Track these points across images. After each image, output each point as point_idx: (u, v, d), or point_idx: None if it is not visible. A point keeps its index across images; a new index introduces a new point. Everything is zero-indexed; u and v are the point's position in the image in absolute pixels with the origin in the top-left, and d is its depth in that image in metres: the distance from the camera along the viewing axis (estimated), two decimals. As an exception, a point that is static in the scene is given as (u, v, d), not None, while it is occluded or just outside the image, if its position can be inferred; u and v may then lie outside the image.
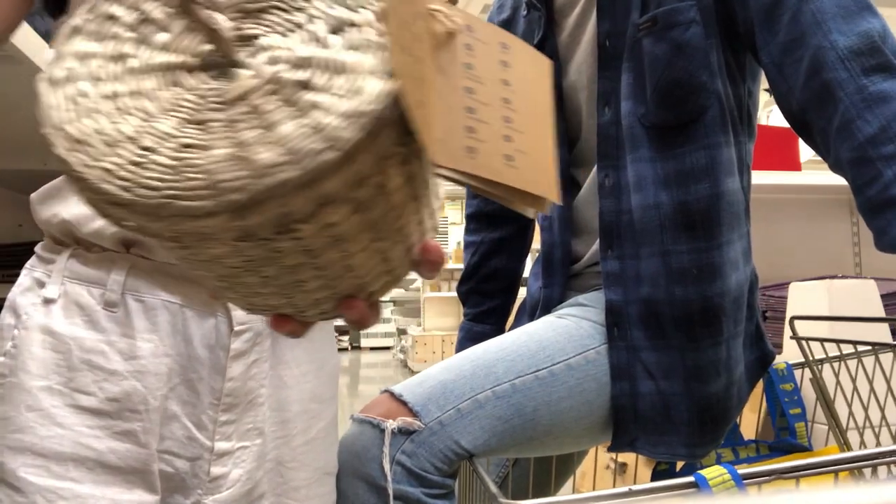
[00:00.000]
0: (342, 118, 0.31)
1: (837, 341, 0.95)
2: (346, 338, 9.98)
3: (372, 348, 9.98)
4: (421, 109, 0.33)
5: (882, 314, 1.40)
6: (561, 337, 0.86)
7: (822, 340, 0.99)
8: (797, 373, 1.00)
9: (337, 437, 0.76)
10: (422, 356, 7.25)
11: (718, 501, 0.51)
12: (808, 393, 1.04)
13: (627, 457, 1.63)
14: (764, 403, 1.01)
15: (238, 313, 0.64)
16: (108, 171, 0.32)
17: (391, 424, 0.76)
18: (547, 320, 0.90)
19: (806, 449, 0.95)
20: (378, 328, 10.00)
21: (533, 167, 0.39)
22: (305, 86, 0.33)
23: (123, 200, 0.31)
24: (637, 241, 0.86)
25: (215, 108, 0.33)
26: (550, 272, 0.98)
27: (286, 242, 0.34)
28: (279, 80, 0.33)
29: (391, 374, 7.77)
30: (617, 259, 0.88)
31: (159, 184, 0.31)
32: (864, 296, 1.41)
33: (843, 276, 1.56)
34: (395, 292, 9.47)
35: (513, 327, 1.12)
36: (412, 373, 7.41)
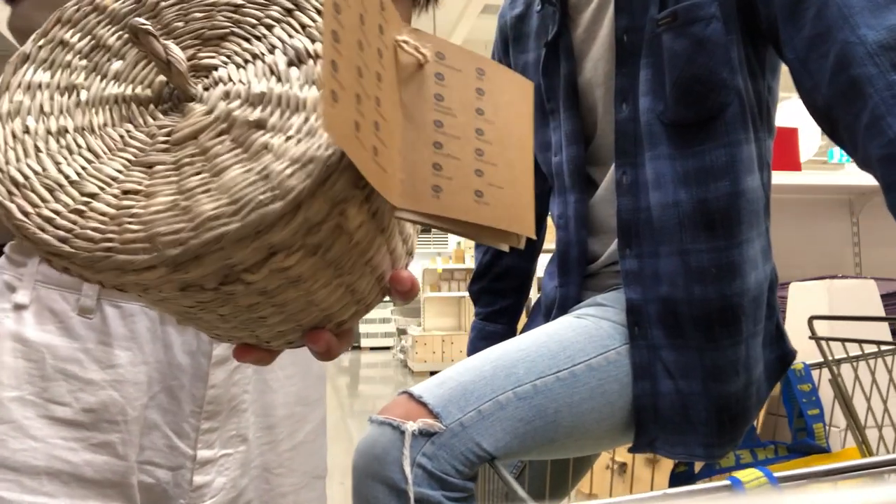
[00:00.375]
0: (293, 164, 0.30)
1: (861, 341, 0.94)
2: (345, 338, 9.95)
3: (372, 348, 9.97)
4: (375, 154, 0.31)
5: (882, 314, 1.41)
6: (581, 337, 0.85)
7: (844, 341, 0.97)
8: (814, 373, 0.99)
9: (326, 439, 0.74)
10: (422, 356, 7.23)
11: (734, 501, 0.49)
12: (822, 394, 1.02)
13: (627, 456, 1.62)
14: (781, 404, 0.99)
15: None
16: (47, 219, 0.31)
17: (411, 426, 0.74)
18: (566, 320, 0.89)
19: (824, 450, 0.95)
20: (378, 328, 10.00)
21: (507, 202, 0.38)
22: (259, 125, 0.31)
23: (62, 252, 0.30)
24: (655, 239, 0.85)
25: (164, 148, 0.32)
26: (566, 271, 0.97)
27: (236, 287, 0.32)
28: (232, 118, 0.31)
29: (391, 374, 7.75)
30: (635, 258, 0.87)
31: (97, 235, 0.30)
32: (864, 296, 1.42)
33: (843, 276, 1.57)
34: (395, 292, 9.44)
35: (527, 326, 1.11)
36: (412, 373, 7.42)
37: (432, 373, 8.18)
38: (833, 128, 0.75)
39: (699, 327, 0.82)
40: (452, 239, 10.72)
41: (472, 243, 8.01)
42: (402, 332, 8.46)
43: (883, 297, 1.44)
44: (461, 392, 0.77)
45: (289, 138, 0.30)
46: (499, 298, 1.18)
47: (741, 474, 0.49)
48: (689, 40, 0.81)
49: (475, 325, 1.20)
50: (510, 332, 1.19)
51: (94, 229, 0.30)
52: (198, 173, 0.30)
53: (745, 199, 0.83)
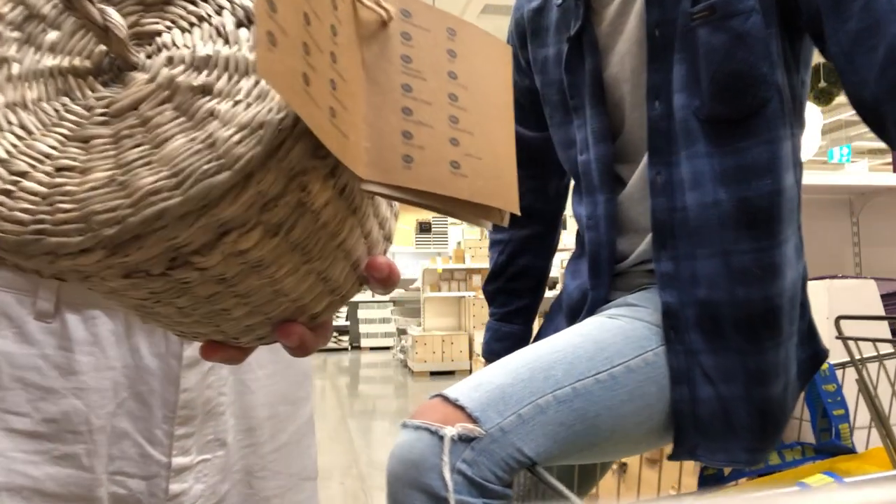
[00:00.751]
0: (241, 130, 0.27)
1: (891, 341, 0.94)
2: (345, 338, 9.96)
3: (372, 348, 9.95)
4: (333, 116, 0.28)
5: (882, 314, 1.41)
6: (617, 339, 0.83)
7: (874, 340, 0.96)
8: (838, 373, 0.98)
9: (314, 438, 0.71)
10: (422, 356, 7.22)
11: (719, 500, 0.48)
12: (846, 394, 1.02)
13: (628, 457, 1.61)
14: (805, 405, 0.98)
15: None
16: None
17: (450, 431, 0.72)
18: (597, 321, 0.87)
19: (852, 451, 0.93)
20: (378, 328, 9.98)
21: (486, 174, 0.34)
22: (204, 91, 0.28)
23: None
24: (693, 240, 0.83)
25: (102, 121, 0.29)
26: (597, 273, 0.94)
27: (189, 273, 0.29)
28: (175, 84, 0.29)
29: (391, 374, 7.75)
30: (671, 260, 0.84)
31: (27, 216, 0.28)
32: (864, 296, 1.41)
33: (843, 276, 1.56)
34: (395, 292, 9.45)
35: (544, 327, 1.10)
36: (412, 373, 7.41)
37: (432, 373, 8.14)
38: (881, 123, 0.73)
39: (741, 330, 0.80)
40: (452, 239, 10.70)
41: (471, 244, 8.00)
42: (402, 332, 8.45)
43: (883, 297, 1.44)
44: (499, 395, 0.75)
45: (237, 103, 0.28)
46: (514, 298, 1.16)
47: (811, 480, 0.48)
48: (728, 34, 0.79)
49: (490, 326, 1.18)
50: (526, 333, 1.17)
51: (23, 210, 0.28)
52: (138, 145, 0.28)
53: (785, 197, 0.81)
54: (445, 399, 0.76)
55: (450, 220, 11.00)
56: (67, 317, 0.55)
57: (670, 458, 0.85)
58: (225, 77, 0.29)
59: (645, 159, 0.88)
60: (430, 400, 0.78)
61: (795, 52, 0.83)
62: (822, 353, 0.90)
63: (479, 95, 0.36)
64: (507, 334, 1.15)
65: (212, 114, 0.28)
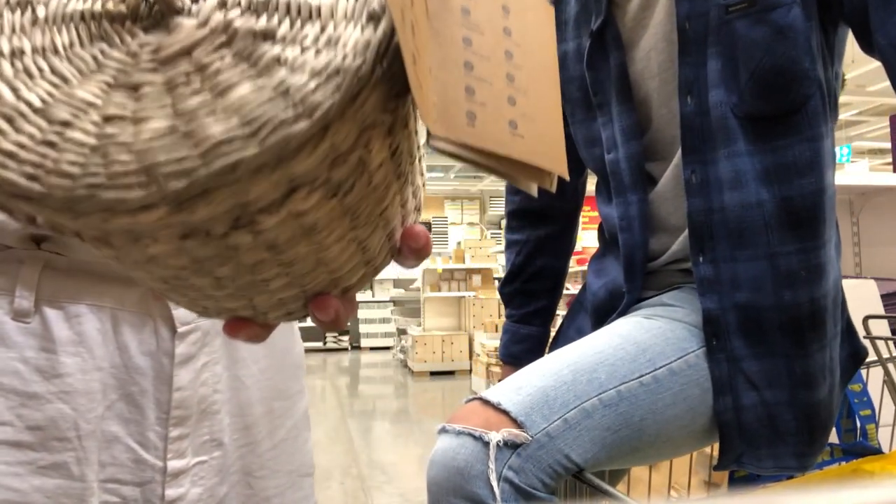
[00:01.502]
0: (315, 77, 0.25)
1: None
2: (346, 338, 9.95)
3: (372, 348, 9.94)
4: (415, 65, 0.26)
5: (882, 314, 1.41)
6: (658, 340, 0.80)
7: None
8: (863, 372, 0.96)
9: (309, 433, 0.69)
10: (422, 356, 7.22)
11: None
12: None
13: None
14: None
15: (181, 311, 0.56)
16: (9, 154, 0.25)
17: (495, 437, 0.69)
18: (634, 321, 0.85)
19: (878, 451, 0.91)
20: (378, 328, 9.97)
21: (539, 135, 0.32)
22: (266, 36, 0.26)
23: (32, 193, 0.25)
24: (733, 242, 0.80)
25: (150, 67, 0.26)
26: (632, 275, 0.91)
27: (244, 237, 0.28)
28: (232, 29, 0.26)
29: (391, 374, 7.74)
30: (710, 263, 0.81)
31: (77, 170, 0.25)
32: (864, 296, 1.40)
33: (844, 276, 1.55)
34: (395, 292, 9.44)
35: (565, 326, 1.08)
36: (412, 373, 7.41)
37: (432, 373, 8.10)
38: None
39: (787, 334, 0.78)
40: (452, 239, 10.70)
41: (471, 244, 7.99)
42: (402, 332, 8.44)
43: (883, 297, 1.43)
44: (543, 399, 0.73)
45: (304, 49, 0.26)
46: (532, 300, 1.14)
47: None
48: (769, 28, 0.76)
49: (508, 328, 1.15)
50: (545, 335, 1.15)
51: (71, 163, 0.25)
52: (197, 93, 0.25)
53: (827, 196, 0.79)
54: (486, 402, 0.73)
55: (449, 220, 11.00)
56: (48, 315, 0.51)
57: (715, 468, 0.83)
58: (287, 22, 0.26)
59: (677, 157, 0.86)
60: (468, 403, 0.75)
61: (830, 43, 0.81)
62: (861, 352, 0.87)
63: (531, 54, 0.35)
64: (525, 336, 1.13)
65: (278, 60, 0.25)
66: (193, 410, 0.57)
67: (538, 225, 1.13)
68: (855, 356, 0.87)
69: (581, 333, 0.91)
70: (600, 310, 0.96)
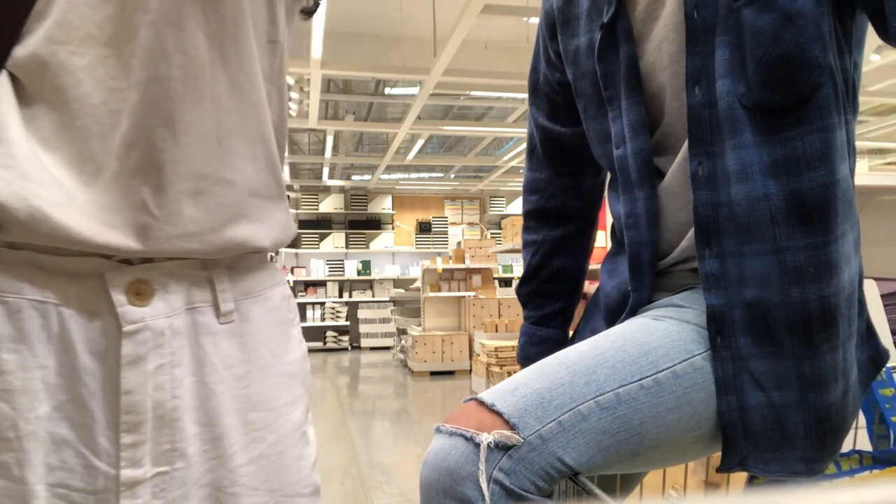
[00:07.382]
0: None
1: None
2: (346, 338, 9.94)
3: (372, 348, 9.94)
4: None
5: (882, 314, 1.39)
6: (663, 341, 0.78)
7: None
8: (894, 376, 0.93)
9: (307, 449, 0.65)
10: (422, 356, 7.22)
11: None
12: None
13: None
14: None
15: (127, 309, 0.52)
16: None
17: (486, 438, 0.68)
18: (641, 321, 0.82)
19: None
20: (378, 328, 9.96)
21: None
22: None
23: None
24: (740, 237, 0.77)
25: None
26: (639, 274, 0.88)
27: None
28: None
29: (391, 374, 7.73)
30: (716, 258, 0.79)
31: None
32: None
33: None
34: (395, 292, 9.44)
35: (581, 327, 1.06)
36: (412, 373, 7.40)
37: (432, 373, 8.12)
38: None
39: (796, 333, 0.75)
40: (452, 239, 10.69)
41: (471, 244, 7.97)
42: (402, 332, 8.43)
43: (883, 296, 1.42)
44: (538, 400, 0.71)
45: None
46: (551, 301, 1.11)
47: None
48: (776, 15, 0.73)
49: (525, 330, 1.13)
50: (563, 336, 1.12)
51: None
52: None
53: (840, 189, 0.75)
54: (481, 404, 0.72)
55: (449, 220, 10.99)
56: None
57: (718, 470, 0.80)
58: None
59: (683, 150, 0.83)
60: (464, 404, 0.74)
61: (847, 31, 0.78)
62: (882, 354, 0.85)
63: None
64: (543, 338, 1.10)
65: None
66: (147, 416, 0.53)
67: (555, 225, 1.11)
68: (875, 359, 0.84)
69: (596, 334, 0.88)
70: (613, 311, 0.94)
